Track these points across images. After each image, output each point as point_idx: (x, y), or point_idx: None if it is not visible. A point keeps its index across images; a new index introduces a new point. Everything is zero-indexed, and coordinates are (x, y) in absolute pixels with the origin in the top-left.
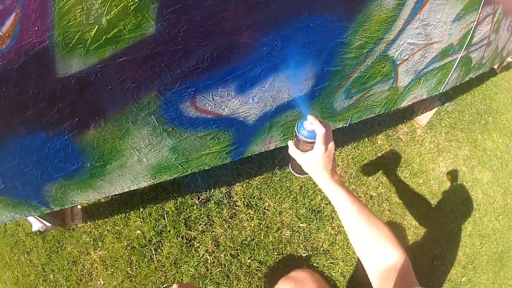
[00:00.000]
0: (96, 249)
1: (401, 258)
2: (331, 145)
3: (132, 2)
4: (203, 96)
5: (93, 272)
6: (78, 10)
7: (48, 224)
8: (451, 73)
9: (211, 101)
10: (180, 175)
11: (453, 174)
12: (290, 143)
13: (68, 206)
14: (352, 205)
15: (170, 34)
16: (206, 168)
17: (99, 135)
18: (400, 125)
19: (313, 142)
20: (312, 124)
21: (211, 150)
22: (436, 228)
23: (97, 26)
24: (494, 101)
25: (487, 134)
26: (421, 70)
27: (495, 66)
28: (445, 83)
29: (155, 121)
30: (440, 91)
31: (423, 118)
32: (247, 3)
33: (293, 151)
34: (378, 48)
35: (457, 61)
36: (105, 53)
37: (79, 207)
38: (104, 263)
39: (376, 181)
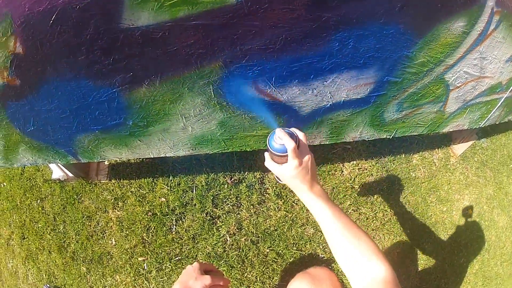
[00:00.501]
0: (115, 209)
1: (386, 273)
2: (307, 157)
3: None
4: (266, 77)
5: (106, 231)
6: None
7: (70, 174)
8: (494, 110)
9: (272, 84)
10: (220, 151)
11: (474, 210)
12: (266, 155)
13: (97, 160)
14: (333, 217)
15: (250, 8)
16: (248, 150)
17: (150, 95)
18: (436, 149)
19: (286, 155)
20: (281, 139)
21: (258, 132)
22: (447, 259)
23: None
24: None
25: None
26: (469, 100)
27: None
28: (486, 118)
29: (212, 92)
30: (481, 126)
31: (459, 148)
32: None
33: (268, 163)
34: (437, 69)
35: (502, 100)
36: (178, 13)
37: (106, 163)
38: (120, 224)
39: (404, 199)
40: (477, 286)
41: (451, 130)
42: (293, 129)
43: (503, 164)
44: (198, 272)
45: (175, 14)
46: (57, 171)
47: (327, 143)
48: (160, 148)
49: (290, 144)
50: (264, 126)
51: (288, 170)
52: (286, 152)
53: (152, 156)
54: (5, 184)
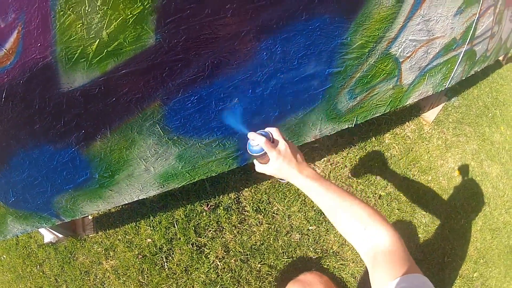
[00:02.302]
0: (108, 259)
1: (387, 239)
2: (283, 146)
3: (131, 15)
4: (206, 103)
5: (105, 282)
6: (79, 25)
7: (60, 235)
8: (455, 67)
9: (214, 108)
10: (188, 183)
11: (462, 169)
12: (255, 162)
13: (79, 217)
14: (326, 192)
15: (170, 44)
16: (214, 175)
17: (105, 146)
18: (407, 122)
19: (265, 153)
20: (253, 140)
21: (217, 156)
22: (446, 225)
23: (98, 40)
24: (500, 93)
25: (494, 127)
26: (425, 66)
27: (500, 58)
28: (450, 78)
29: (160, 131)
30: (446, 87)
31: (430, 115)
32: (245, 10)
33: (258, 167)
34: (379, 47)
35: (462, 55)
36: (107, 66)
37: (90, 217)
38: (116, 272)
39: (384, 180)
40: (486, 241)
41: (416, 100)
42: (267, 129)
43: (480, 116)
44: None
45: (104, 68)
46: (48, 235)
47: None
48: (131, 193)
49: (261, 140)
50: (221, 149)
51: (272, 164)
52: (263, 150)
53: (127, 202)
54: (4, 256)
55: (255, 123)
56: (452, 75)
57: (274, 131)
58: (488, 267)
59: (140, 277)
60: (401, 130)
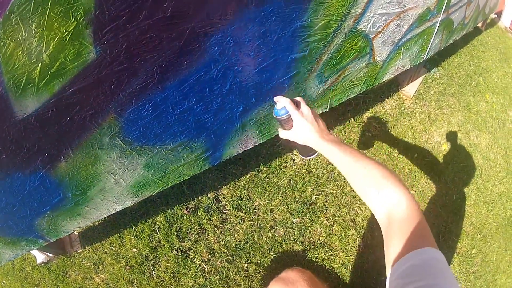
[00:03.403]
0: (98, 273)
1: (403, 203)
2: (306, 109)
3: (67, 32)
4: (163, 109)
5: None
6: (19, 52)
7: (50, 255)
8: (432, 38)
9: (172, 112)
10: (162, 189)
11: (449, 143)
12: (279, 129)
13: (63, 236)
14: (345, 156)
15: (111, 54)
16: (186, 178)
17: (71, 166)
18: (386, 99)
19: (290, 117)
20: (279, 102)
21: (186, 160)
22: (438, 202)
23: (40, 63)
24: (482, 60)
25: (479, 95)
26: (399, 40)
27: (479, 25)
28: (427, 49)
29: (121, 143)
30: (424, 58)
31: (410, 89)
32: (185, 4)
33: (282, 134)
34: (345, 25)
35: (437, 25)
36: (54, 88)
37: (76, 233)
38: (108, 286)
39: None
40: (482, 215)
41: (393, 75)
42: (294, 98)
43: (464, 85)
44: None
45: (52, 90)
46: (40, 256)
47: (262, 141)
48: (107, 206)
49: (285, 100)
50: (188, 152)
51: (297, 127)
52: (288, 113)
53: (105, 216)
54: (4, 282)
55: (219, 120)
56: (429, 46)
57: (299, 99)
58: (487, 241)
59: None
60: (381, 108)
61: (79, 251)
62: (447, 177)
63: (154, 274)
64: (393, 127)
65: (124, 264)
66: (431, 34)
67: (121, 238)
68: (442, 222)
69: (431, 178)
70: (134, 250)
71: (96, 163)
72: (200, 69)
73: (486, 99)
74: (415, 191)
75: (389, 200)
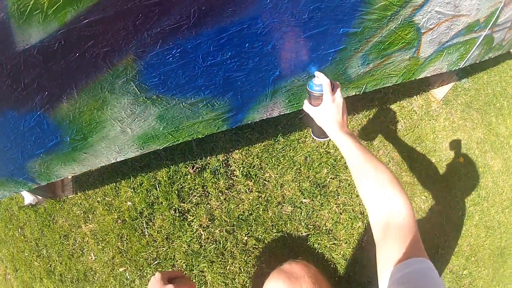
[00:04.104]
0: (87, 222)
1: (404, 210)
2: (339, 98)
3: None
4: (192, 57)
5: (84, 247)
6: None
7: (39, 197)
8: (473, 49)
9: (201, 64)
10: (171, 144)
11: (466, 157)
12: (305, 101)
13: (55, 180)
14: (356, 151)
15: None
16: (200, 137)
17: (73, 108)
18: (415, 96)
19: (322, 97)
20: (318, 78)
21: (204, 117)
22: (444, 214)
23: None
24: (509, 85)
25: (501, 118)
26: (445, 42)
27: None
28: (466, 58)
29: (136, 89)
30: (460, 67)
31: (440, 92)
32: None
33: (306, 106)
34: (403, 12)
35: (481, 39)
36: (66, 16)
37: (69, 177)
38: (95, 237)
39: (387, 156)
40: (480, 238)
41: (428, 75)
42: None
43: (489, 104)
44: (161, 283)
45: (63, 19)
46: (28, 196)
47: (288, 112)
48: (108, 155)
49: (325, 79)
50: (209, 109)
51: (323, 107)
52: (321, 92)
53: (104, 164)
54: None
55: (251, 81)
56: (468, 56)
57: (336, 85)
58: (478, 266)
59: (119, 243)
60: (408, 104)
61: (70, 196)
62: (458, 191)
63: (146, 232)
64: (417, 126)
65: (116, 217)
66: (473, 45)
67: (116, 188)
68: (444, 235)
69: (443, 188)
70: (129, 203)
71: (102, 108)
72: (245, 21)
73: (506, 125)
74: (425, 197)
75: (392, 204)
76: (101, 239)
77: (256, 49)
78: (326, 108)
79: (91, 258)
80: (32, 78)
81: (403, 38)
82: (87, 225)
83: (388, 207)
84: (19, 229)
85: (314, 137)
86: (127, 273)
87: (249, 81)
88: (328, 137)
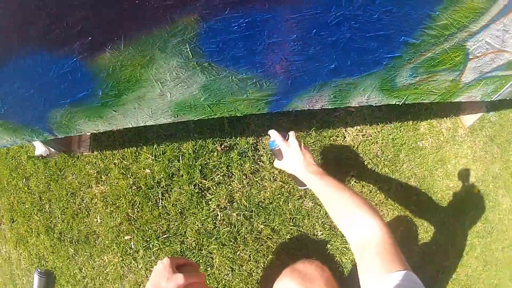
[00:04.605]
0: (99, 183)
1: (376, 230)
2: (293, 142)
3: None
4: (257, 31)
5: (91, 208)
6: None
7: (52, 150)
8: (508, 85)
9: (265, 39)
10: (206, 117)
11: (481, 188)
12: (275, 160)
13: (74, 134)
14: (325, 187)
15: None
16: (239, 115)
17: (116, 60)
18: (444, 118)
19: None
20: (271, 135)
21: (249, 96)
22: (450, 239)
23: None
24: None
25: None
26: (486, 72)
27: None
28: (499, 93)
29: (189, 52)
30: (492, 99)
31: (468, 119)
32: None
33: (276, 163)
34: (459, 35)
35: None
36: None
37: (88, 134)
38: (105, 200)
39: (410, 171)
40: (477, 271)
41: (463, 101)
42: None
43: (510, 142)
44: (170, 271)
45: None
46: (40, 147)
47: (330, 107)
48: (138, 117)
49: (274, 134)
50: (256, 88)
51: (285, 157)
52: (279, 146)
53: (131, 126)
54: None
55: (306, 68)
56: (502, 91)
57: (291, 134)
58: None
59: (129, 210)
60: (438, 124)
61: (86, 154)
62: (467, 220)
63: (160, 204)
64: (442, 147)
65: (131, 182)
66: (508, 82)
67: (137, 153)
68: (446, 260)
69: (454, 214)
70: (148, 171)
71: (147, 66)
72: (319, 6)
73: None
74: (437, 220)
75: (364, 227)
76: (111, 202)
77: (321, 37)
78: (286, 156)
79: (97, 221)
80: (77, 19)
81: (452, 60)
82: (99, 186)
83: (360, 230)
84: (24, 180)
85: (298, 187)
86: (132, 242)
87: (304, 68)
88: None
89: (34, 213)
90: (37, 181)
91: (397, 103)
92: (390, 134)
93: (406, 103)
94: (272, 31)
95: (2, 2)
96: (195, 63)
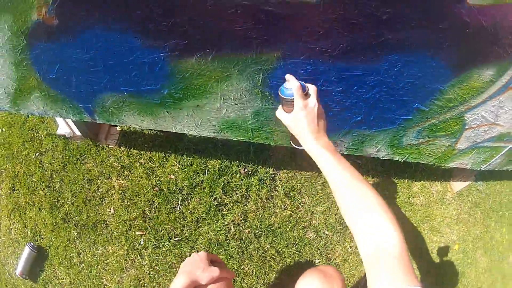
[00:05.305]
0: (120, 177)
1: (395, 236)
2: (312, 103)
3: None
4: (316, 77)
5: (106, 198)
6: None
7: (78, 133)
8: (497, 156)
9: (318, 86)
10: (245, 140)
11: (460, 246)
12: (279, 107)
13: (114, 124)
14: (337, 166)
15: (326, 10)
16: (272, 144)
17: (198, 68)
18: (436, 182)
19: (293, 101)
20: (289, 81)
21: (286, 130)
22: None
23: None
24: None
25: (499, 225)
26: (478, 142)
27: None
28: (488, 163)
29: (260, 80)
30: (481, 169)
31: (457, 185)
32: (396, 21)
33: (278, 113)
34: (460, 108)
35: (507, 149)
36: None
37: (118, 129)
38: (123, 194)
39: (400, 222)
40: None
41: (454, 166)
42: (307, 84)
43: (493, 210)
44: (206, 263)
45: None
46: (64, 127)
47: (345, 153)
48: (185, 124)
49: (294, 84)
50: None
51: (294, 114)
52: (293, 96)
53: (174, 131)
54: (4, 130)
55: (339, 115)
56: (491, 161)
57: (311, 88)
58: None
59: (147, 208)
60: (429, 185)
61: (112, 146)
62: (446, 272)
63: (178, 209)
64: (430, 206)
65: (154, 183)
66: (498, 153)
67: (164, 159)
68: None
69: (435, 265)
70: (172, 177)
71: (221, 81)
72: (365, 70)
73: (502, 231)
74: (418, 268)
75: (381, 232)
76: (128, 198)
77: (359, 93)
78: (297, 115)
79: (110, 211)
80: (183, 22)
81: (451, 127)
82: (119, 180)
83: (377, 235)
84: (38, 153)
85: (293, 145)
86: (142, 239)
87: (339, 115)
88: None
89: (41, 188)
90: (52, 159)
91: (399, 159)
92: (386, 189)
93: (406, 161)
94: (326, 81)
95: None
96: (259, 90)
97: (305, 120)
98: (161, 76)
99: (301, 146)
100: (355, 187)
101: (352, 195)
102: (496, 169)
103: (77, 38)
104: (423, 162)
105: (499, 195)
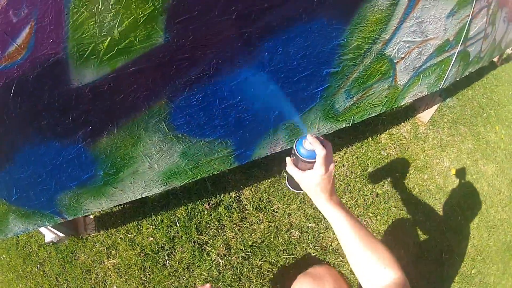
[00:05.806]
0: (110, 257)
1: (400, 280)
2: (332, 166)
3: (142, 14)
4: (211, 101)
5: (107, 280)
6: (91, 23)
7: (61, 235)
8: (449, 68)
9: (218, 106)
10: (190, 181)
11: (457, 168)
12: (288, 160)
13: (81, 215)
14: (350, 226)
15: (178, 43)
16: (215, 173)
17: (112, 143)
18: (403, 123)
19: (313, 162)
20: (311, 144)
21: (219, 154)
22: (443, 223)
23: (110, 37)
24: (495, 94)
25: (489, 126)
26: (419, 67)
27: (495, 59)
28: (444, 78)
29: (165, 128)
30: (440, 87)
31: (425, 115)
32: (249, 12)
33: (291, 169)
34: (374, 48)
35: (455, 56)
36: (117, 64)
37: (91, 216)
38: (118, 271)
39: (381, 179)
40: (483, 238)
41: (411, 100)
42: (321, 138)
43: (475, 116)
44: None
45: (114, 65)
46: (49, 234)
47: (289, 147)
48: (135, 190)
49: (321, 152)
50: (223, 147)
51: (312, 177)
52: (314, 158)
53: (130, 200)
54: (4, 256)
55: (256, 120)
56: (446, 75)
57: (329, 147)
58: (486, 264)
59: (142, 275)
60: (397, 131)
61: (93, 234)
62: (454, 200)
63: (168, 264)
64: (407, 149)
65: (139, 251)
66: (448, 65)
67: (138, 226)
68: (446, 241)
69: (439, 200)
70: (151, 239)
71: (136, 144)
72: (249, 70)
73: (495, 131)
74: (423, 211)
75: (393, 281)
76: (124, 272)
77: (259, 93)
78: (316, 178)
79: None
80: (80, 113)
81: (379, 70)
82: (110, 260)
83: (386, 280)
84: (38, 265)
85: (289, 187)
86: None
87: (255, 120)
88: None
89: None
90: (51, 265)
91: (346, 125)
92: (353, 155)
93: (356, 123)
94: (221, 98)
95: (19, 97)
96: (172, 136)
97: (323, 184)
98: (90, 162)
99: (299, 190)
100: (365, 244)
101: (364, 254)
102: (457, 79)
103: (15, 161)
104: (374, 115)
105: (475, 99)
